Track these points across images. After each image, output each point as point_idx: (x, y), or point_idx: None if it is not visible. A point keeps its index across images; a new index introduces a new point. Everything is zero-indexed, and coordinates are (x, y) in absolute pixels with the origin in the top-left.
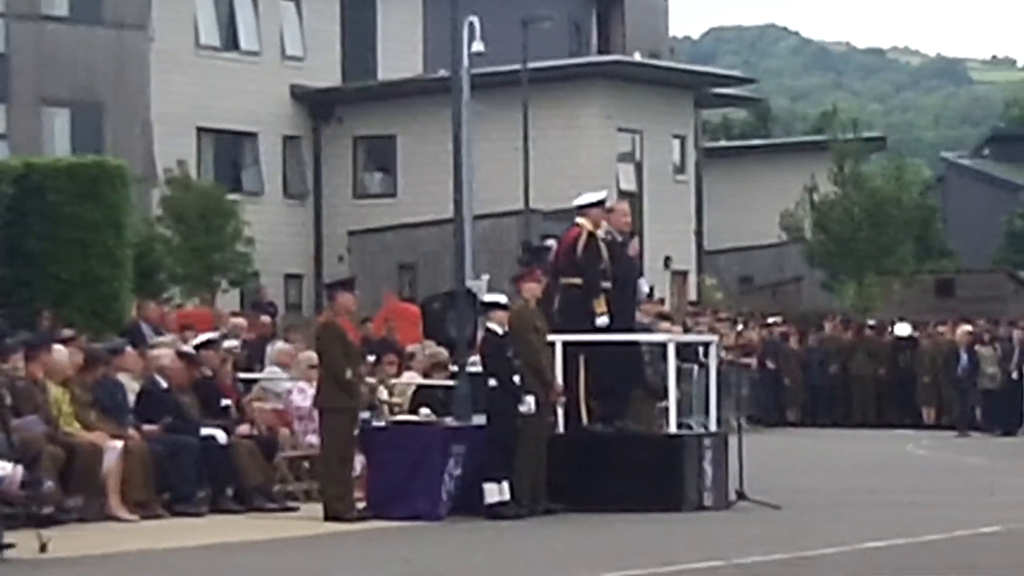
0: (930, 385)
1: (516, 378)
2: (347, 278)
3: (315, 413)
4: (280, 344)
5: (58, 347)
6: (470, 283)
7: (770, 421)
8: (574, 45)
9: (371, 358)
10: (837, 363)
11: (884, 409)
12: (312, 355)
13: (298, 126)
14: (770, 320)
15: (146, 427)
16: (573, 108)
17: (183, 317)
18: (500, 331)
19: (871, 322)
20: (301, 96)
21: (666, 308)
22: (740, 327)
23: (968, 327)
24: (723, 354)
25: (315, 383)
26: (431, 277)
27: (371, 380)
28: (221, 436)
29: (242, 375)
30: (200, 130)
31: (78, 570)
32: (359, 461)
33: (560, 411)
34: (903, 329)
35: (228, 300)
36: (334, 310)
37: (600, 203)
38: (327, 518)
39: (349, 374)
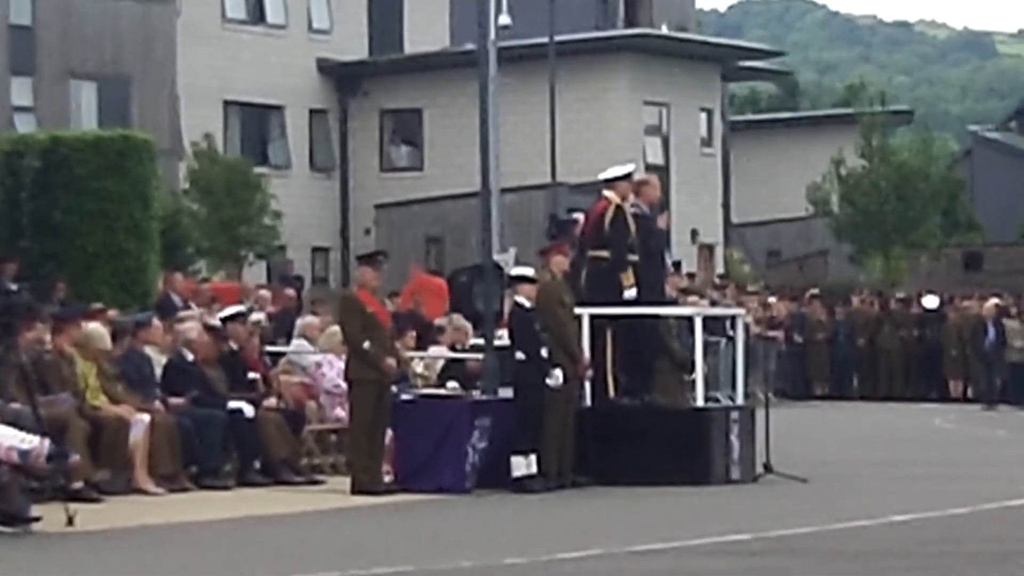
0: (957, 358)
1: (543, 351)
2: (372, 252)
3: (343, 386)
4: (307, 317)
5: (94, 324)
6: (497, 256)
7: (797, 394)
8: (601, 18)
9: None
10: (864, 336)
11: (911, 382)
12: (337, 328)
13: (325, 99)
14: (808, 293)
15: (173, 400)
16: (600, 81)
17: (215, 291)
18: (527, 304)
19: (900, 295)
20: (328, 69)
21: (685, 283)
22: (771, 299)
23: (995, 300)
24: (750, 327)
25: (343, 356)
26: (458, 250)
27: (406, 353)
28: (248, 409)
29: (269, 348)
30: (227, 103)
31: (105, 543)
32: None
33: (587, 384)
34: (931, 301)
35: (255, 273)
36: (357, 284)
37: (627, 176)
38: (354, 491)
39: (367, 345)
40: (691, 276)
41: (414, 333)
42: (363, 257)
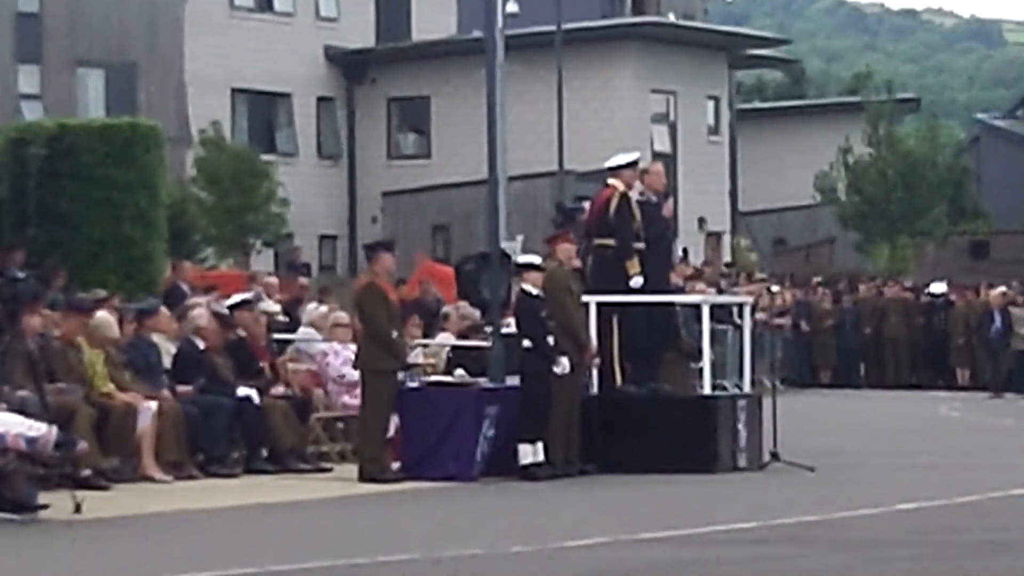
0: (963, 347)
1: (550, 339)
2: (387, 239)
3: (349, 374)
4: (315, 305)
5: (102, 312)
6: (504, 244)
7: (803, 382)
8: (608, 6)
9: None
10: (870, 325)
11: (917, 371)
12: (343, 316)
13: (332, 87)
14: (813, 281)
15: (180, 388)
16: (607, 69)
17: (221, 279)
18: (534, 292)
19: (907, 284)
20: (335, 57)
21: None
22: (776, 288)
23: (1001, 288)
24: (757, 315)
25: (348, 344)
26: (465, 238)
27: (413, 341)
28: (255, 397)
29: (276, 336)
30: (234, 91)
31: (112, 531)
32: (392, 422)
33: (594, 372)
34: (938, 287)
35: (262, 261)
36: (374, 271)
37: (633, 164)
38: (361, 479)
39: (395, 335)
40: (706, 264)
41: (419, 322)
42: (381, 244)
